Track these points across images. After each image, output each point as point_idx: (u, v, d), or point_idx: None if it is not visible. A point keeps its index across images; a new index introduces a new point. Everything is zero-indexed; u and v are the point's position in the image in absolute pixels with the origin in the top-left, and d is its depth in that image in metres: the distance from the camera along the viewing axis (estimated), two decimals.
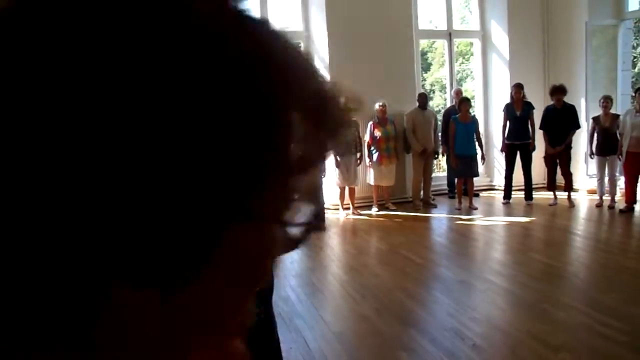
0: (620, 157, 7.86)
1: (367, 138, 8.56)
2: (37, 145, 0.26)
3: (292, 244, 0.41)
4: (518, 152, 8.62)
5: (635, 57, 17.38)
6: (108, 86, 0.26)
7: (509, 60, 9.78)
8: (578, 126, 8.23)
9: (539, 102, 8.72)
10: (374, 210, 8.71)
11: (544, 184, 8.69)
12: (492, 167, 10.17)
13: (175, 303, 0.31)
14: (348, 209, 8.69)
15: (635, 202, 7.83)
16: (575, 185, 8.92)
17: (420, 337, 3.92)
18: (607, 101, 8.07)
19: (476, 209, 8.48)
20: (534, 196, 8.78)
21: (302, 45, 8.16)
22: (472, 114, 9.17)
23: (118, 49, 0.27)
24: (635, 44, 16.89)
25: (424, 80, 20.66)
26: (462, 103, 8.55)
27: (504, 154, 8.85)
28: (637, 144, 7.54)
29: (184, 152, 0.27)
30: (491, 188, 10.07)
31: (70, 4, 0.27)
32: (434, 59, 22.46)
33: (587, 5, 9.08)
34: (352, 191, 8.68)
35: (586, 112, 8.82)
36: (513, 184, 8.79)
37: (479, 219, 8.00)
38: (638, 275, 5.21)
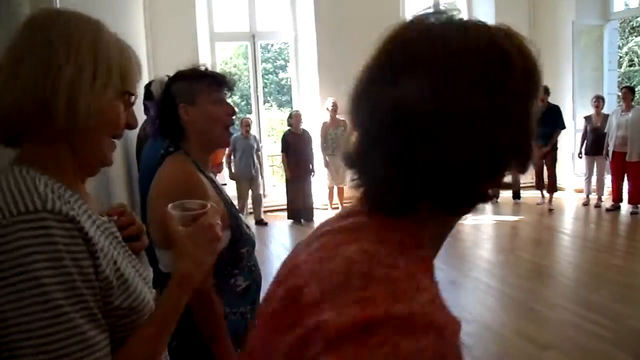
0: (606, 156, 7.92)
1: None
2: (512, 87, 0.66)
3: None
4: None
5: (621, 57, 17.55)
6: (513, 76, 0.66)
7: None
8: (563, 126, 8.21)
9: None
10: None
11: (531, 183, 8.72)
12: None
13: None
14: (337, 208, 8.67)
15: (621, 200, 7.89)
16: (563, 184, 8.97)
17: None
18: (599, 101, 8.11)
19: None
20: (521, 195, 8.83)
21: (290, 45, 8.10)
22: None
23: (509, 68, 0.66)
24: (621, 44, 17.04)
25: None
26: None
27: None
28: (623, 143, 7.59)
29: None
30: None
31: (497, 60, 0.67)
32: None
33: (574, 5, 9.14)
34: (341, 191, 8.67)
35: (573, 111, 8.86)
36: None
37: (467, 218, 8.00)
38: (625, 273, 5.24)
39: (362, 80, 0.73)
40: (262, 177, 8.44)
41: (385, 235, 0.66)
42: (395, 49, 0.69)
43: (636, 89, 8.71)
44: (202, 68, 1.78)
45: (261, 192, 8.36)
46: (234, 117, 1.81)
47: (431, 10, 0.71)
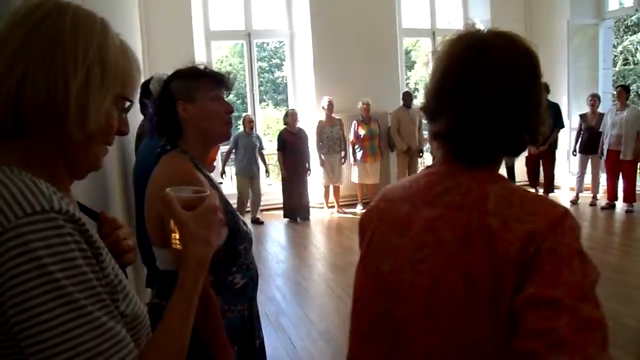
0: (601, 155, 7.95)
1: (351, 136, 8.57)
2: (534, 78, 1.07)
3: None
4: None
5: (615, 56, 17.61)
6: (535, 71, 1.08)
7: None
8: (562, 125, 8.23)
9: None
10: (358, 209, 8.72)
11: (527, 181, 8.75)
12: None
13: None
14: (333, 207, 8.69)
15: (616, 199, 7.93)
16: (558, 182, 9.00)
17: None
18: (594, 99, 8.11)
19: None
20: None
21: (286, 43, 8.09)
22: None
23: (530, 65, 1.07)
24: (615, 43, 17.10)
25: (408, 78, 20.73)
26: None
27: None
28: (618, 142, 7.63)
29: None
30: None
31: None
32: (418, 57, 22.52)
33: (569, 4, 9.17)
34: (336, 189, 8.68)
35: (568, 110, 8.89)
36: None
37: None
38: (619, 271, 5.26)
39: (446, 78, 1.05)
40: (267, 174, 8.49)
41: (495, 177, 1.04)
42: (477, 56, 1.02)
43: (631, 88, 8.74)
44: (201, 67, 1.79)
45: (261, 190, 8.38)
46: (231, 116, 1.81)
47: (474, 26, 1.09)
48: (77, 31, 0.87)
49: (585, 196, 8.31)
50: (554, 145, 8.20)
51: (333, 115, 8.42)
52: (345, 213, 8.58)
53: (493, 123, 1.00)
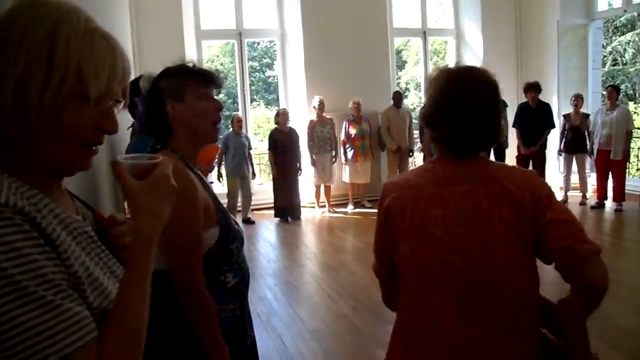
0: (591, 155, 8.00)
1: (342, 136, 8.56)
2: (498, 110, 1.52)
3: None
4: (492, 150, 8.68)
5: (605, 57, 17.73)
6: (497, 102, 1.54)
7: (483, 58, 9.87)
8: (553, 125, 8.26)
9: (512, 100, 8.80)
10: (349, 208, 8.72)
11: None
12: None
13: None
14: (324, 206, 8.68)
15: (606, 198, 7.97)
16: (549, 181, 9.02)
17: None
18: (578, 99, 8.15)
19: None
20: None
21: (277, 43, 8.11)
22: None
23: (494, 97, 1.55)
24: (605, 44, 17.22)
25: (399, 78, 20.78)
26: None
27: None
28: (608, 141, 7.68)
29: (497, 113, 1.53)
30: None
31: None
32: (408, 57, 22.58)
33: (559, 4, 9.21)
34: (327, 189, 8.68)
35: (558, 110, 8.92)
36: None
37: None
38: (610, 270, 5.22)
39: (443, 98, 1.50)
40: (254, 176, 8.44)
41: (486, 161, 1.55)
42: (462, 90, 1.48)
43: (620, 88, 8.79)
44: (190, 65, 1.77)
45: (252, 190, 8.35)
46: (221, 113, 1.80)
47: (454, 65, 1.56)
48: (26, 24, 0.84)
49: (576, 195, 8.35)
50: (543, 146, 8.22)
51: (324, 114, 8.41)
52: (336, 212, 8.57)
53: (476, 129, 1.48)
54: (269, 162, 8.58)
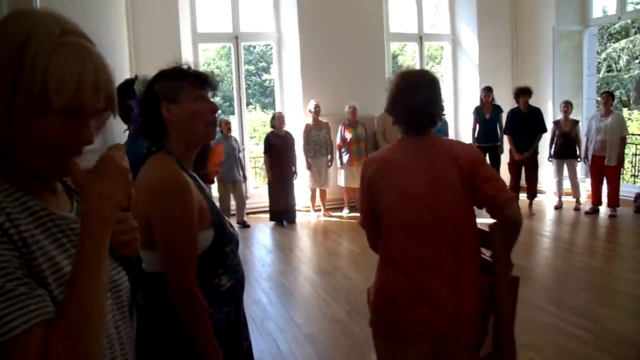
0: (586, 160, 8.03)
1: (337, 140, 8.57)
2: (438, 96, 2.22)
3: None
4: (487, 155, 8.68)
5: (599, 63, 17.81)
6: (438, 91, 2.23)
7: (479, 63, 9.91)
8: (544, 130, 8.29)
9: (508, 105, 8.80)
10: (345, 212, 8.72)
11: (509, 187, 8.78)
12: None
13: None
14: (319, 210, 8.68)
15: (600, 204, 8.00)
16: (542, 187, 9.06)
17: None
18: (567, 106, 8.21)
19: None
20: None
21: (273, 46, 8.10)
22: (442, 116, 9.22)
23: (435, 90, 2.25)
24: (599, 50, 17.30)
25: None
26: None
27: None
28: (603, 147, 7.71)
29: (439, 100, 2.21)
30: None
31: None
32: (404, 62, 22.62)
33: (554, 11, 9.26)
34: (323, 193, 8.68)
35: (553, 115, 8.94)
36: None
37: None
38: (604, 275, 5.31)
39: (399, 92, 2.13)
40: (245, 179, 8.40)
41: (437, 136, 2.23)
42: (417, 82, 2.13)
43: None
44: (185, 67, 1.77)
45: (245, 194, 8.32)
46: (216, 115, 1.80)
47: (409, 69, 2.44)
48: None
49: (570, 201, 8.37)
50: (536, 151, 8.25)
51: (320, 118, 8.41)
52: (331, 216, 8.57)
53: (419, 111, 2.11)
54: (264, 166, 8.56)
